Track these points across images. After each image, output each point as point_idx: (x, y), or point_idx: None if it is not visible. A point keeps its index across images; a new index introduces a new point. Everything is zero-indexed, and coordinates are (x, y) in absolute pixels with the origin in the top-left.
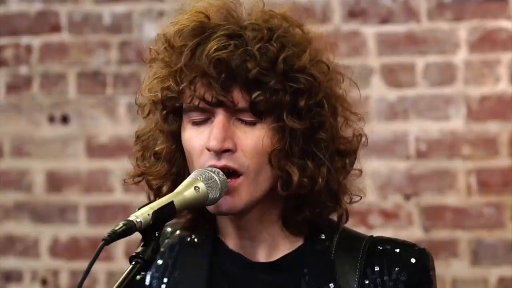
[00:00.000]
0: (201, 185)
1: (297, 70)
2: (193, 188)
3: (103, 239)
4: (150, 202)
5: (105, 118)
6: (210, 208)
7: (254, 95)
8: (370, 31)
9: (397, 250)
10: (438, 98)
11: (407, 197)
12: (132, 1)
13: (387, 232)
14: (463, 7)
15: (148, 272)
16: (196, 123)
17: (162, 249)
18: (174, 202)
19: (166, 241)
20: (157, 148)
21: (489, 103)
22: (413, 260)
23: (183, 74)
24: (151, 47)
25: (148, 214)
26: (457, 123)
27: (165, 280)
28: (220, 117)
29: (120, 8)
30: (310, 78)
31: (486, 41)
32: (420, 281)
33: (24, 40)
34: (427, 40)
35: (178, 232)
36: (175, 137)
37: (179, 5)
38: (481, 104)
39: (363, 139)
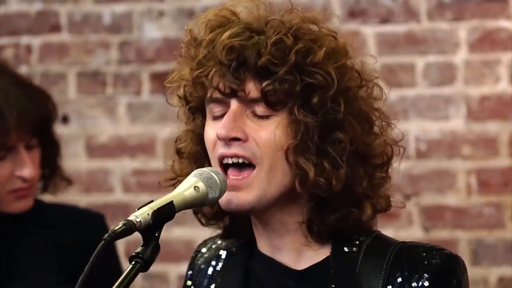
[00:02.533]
0: (201, 185)
1: (311, 64)
2: (193, 188)
3: (103, 239)
4: (150, 202)
5: (105, 118)
6: (221, 205)
7: (264, 84)
8: (370, 31)
9: (423, 255)
10: (438, 98)
11: (407, 197)
12: (132, 1)
13: (387, 232)
14: (463, 7)
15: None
16: (215, 118)
17: (217, 254)
18: (173, 202)
19: (218, 248)
20: (180, 146)
21: (489, 103)
22: (436, 264)
23: (201, 65)
24: (182, 44)
25: (148, 214)
26: (457, 123)
27: (212, 286)
28: (232, 106)
29: (120, 8)
30: (325, 74)
31: (486, 41)
32: (443, 286)
33: (24, 40)
34: (427, 40)
35: (224, 241)
36: (200, 138)
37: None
38: (481, 104)
39: (400, 150)
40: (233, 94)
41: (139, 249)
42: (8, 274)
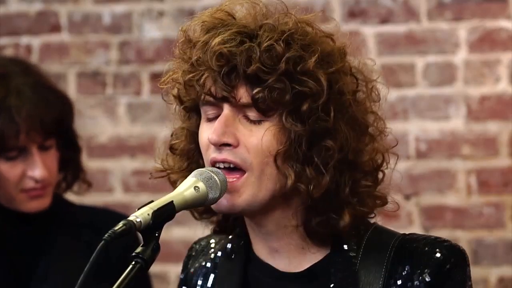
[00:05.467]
0: (201, 185)
1: (301, 72)
2: (193, 188)
3: (103, 239)
4: (150, 202)
5: (105, 118)
6: (213, 206)
7: (254, 91)
8: (370, 31)
9: (425, 249)
10: (438, 98)
11: (407, 197)
12: (132, 1)
13: None
14: (463, 7)
15: (199, 279)
16: (209, 119)
17: (211, 257)
18: (173, 202)
19: (211, 250)
20: (174, 142)
21: (489, 103)
22: (438, 255)
23: (194, 69)
24: (177, 44)
25: (148, 214)
26: (457, 123)
27: (208, 285)
28: (224, 111)
29: (120, 8)
30: (315, 82)
31: (486, 41)
32: (444, 278)
33: (24, 40)
34: (427, 40)
35: (222, 240)
36: (194, 137)
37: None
38: (481, 104)
39: (389, 159)
40: (225, 99)
41: (139, 249)
42: (29, 274)
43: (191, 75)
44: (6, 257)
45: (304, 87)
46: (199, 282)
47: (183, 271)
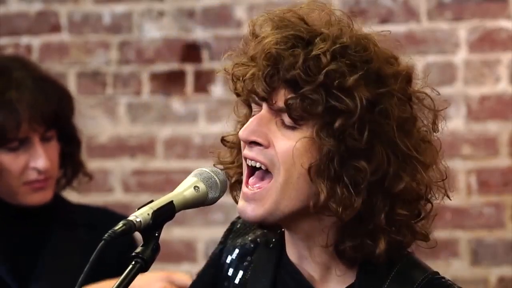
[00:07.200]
0: (201, 185)
1: (338, 88)
2: (193, 188)
3: (103, 239)
4: (150, 202)
5: (105, 118)
6: (239, 214)
7: (288, 97)
8: (370, 31)
9: None
10: (438, 98)
11: None
12: (132, 1)
13: None
14: (463, 7)
15: (229, 256)
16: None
17: (251, 244)
18: (173, 202)
19: (252, 233)
20: (226, 134)
21: (489, 103)
22: None
23: (244, 63)
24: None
25: (148, 214)
26: (457, 123)
27: (241, 273)
28: (262, 111)
29: (120, 8)
30: (351, 100)
31: (486, 41)
32: None
33: (24, 40)
34: (427, 40)
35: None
36: None
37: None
38: (481, 104)
39: (437, 193)
40: (263, 99)
41: (139, 249)
42: (27, 273)
43: (239, 69)
44: (5, 256)
45: (338, 102)
46: (231, 259)
47: (221, 243)
